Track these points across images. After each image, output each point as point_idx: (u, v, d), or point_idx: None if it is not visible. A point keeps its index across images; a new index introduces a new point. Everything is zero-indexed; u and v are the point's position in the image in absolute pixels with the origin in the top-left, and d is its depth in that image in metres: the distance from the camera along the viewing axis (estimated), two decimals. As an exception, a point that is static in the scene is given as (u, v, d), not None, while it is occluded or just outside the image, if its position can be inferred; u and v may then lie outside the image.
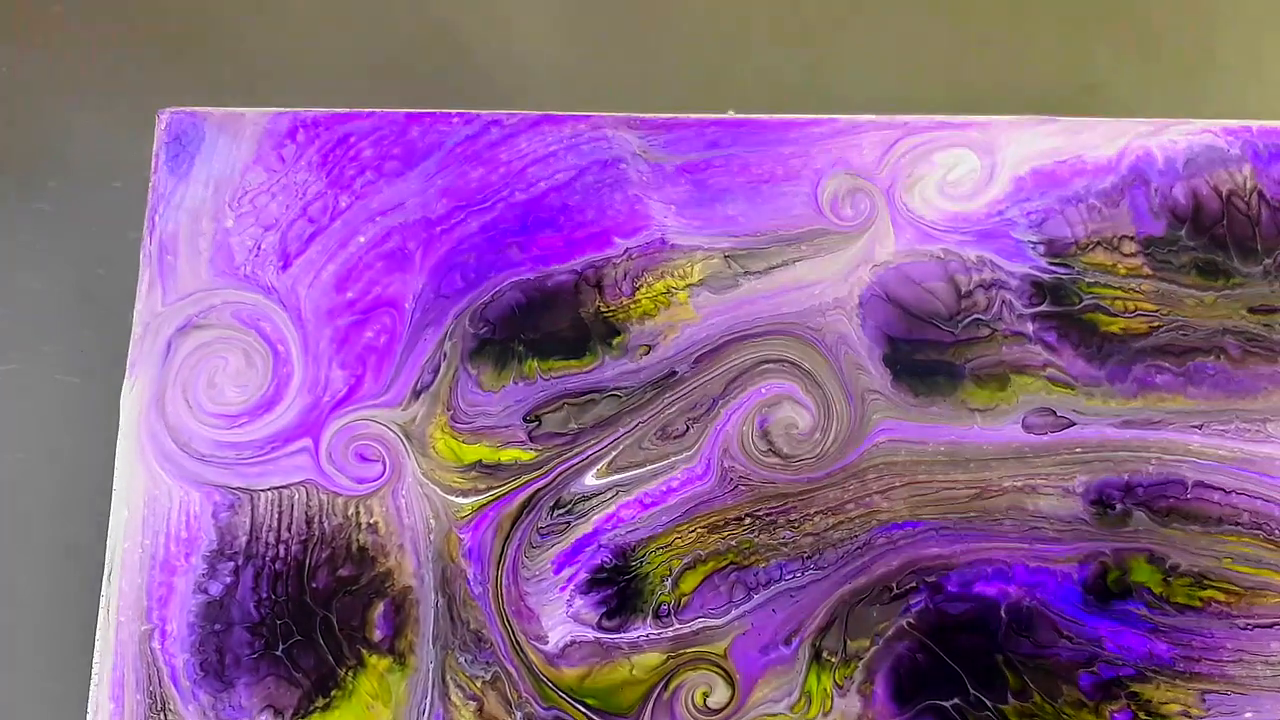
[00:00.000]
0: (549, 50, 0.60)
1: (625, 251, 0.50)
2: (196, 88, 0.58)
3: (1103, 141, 0.52)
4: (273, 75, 0.57)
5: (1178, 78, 0.63)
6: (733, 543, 0.47)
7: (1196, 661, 0.46)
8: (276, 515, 0.46)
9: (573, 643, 0.45)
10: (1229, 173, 0.52)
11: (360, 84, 0.59)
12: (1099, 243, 0.51)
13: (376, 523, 0.46)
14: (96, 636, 0.45)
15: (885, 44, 0.62)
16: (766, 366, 0.49)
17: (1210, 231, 0.51)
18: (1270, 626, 0.47)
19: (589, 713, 0.45)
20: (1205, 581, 0.47)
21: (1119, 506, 0.48)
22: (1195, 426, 0.49)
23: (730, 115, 0.52)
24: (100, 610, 0.45)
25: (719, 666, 0.45)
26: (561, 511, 0.47)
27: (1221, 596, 0.47)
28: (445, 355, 0.48)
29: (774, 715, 0.45)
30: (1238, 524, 0.48)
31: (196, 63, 0.59)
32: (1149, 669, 0.46)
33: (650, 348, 0.49)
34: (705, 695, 0.45)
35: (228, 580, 0.46)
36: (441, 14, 0.60)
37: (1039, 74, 0.62)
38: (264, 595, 0.46)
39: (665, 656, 0.45)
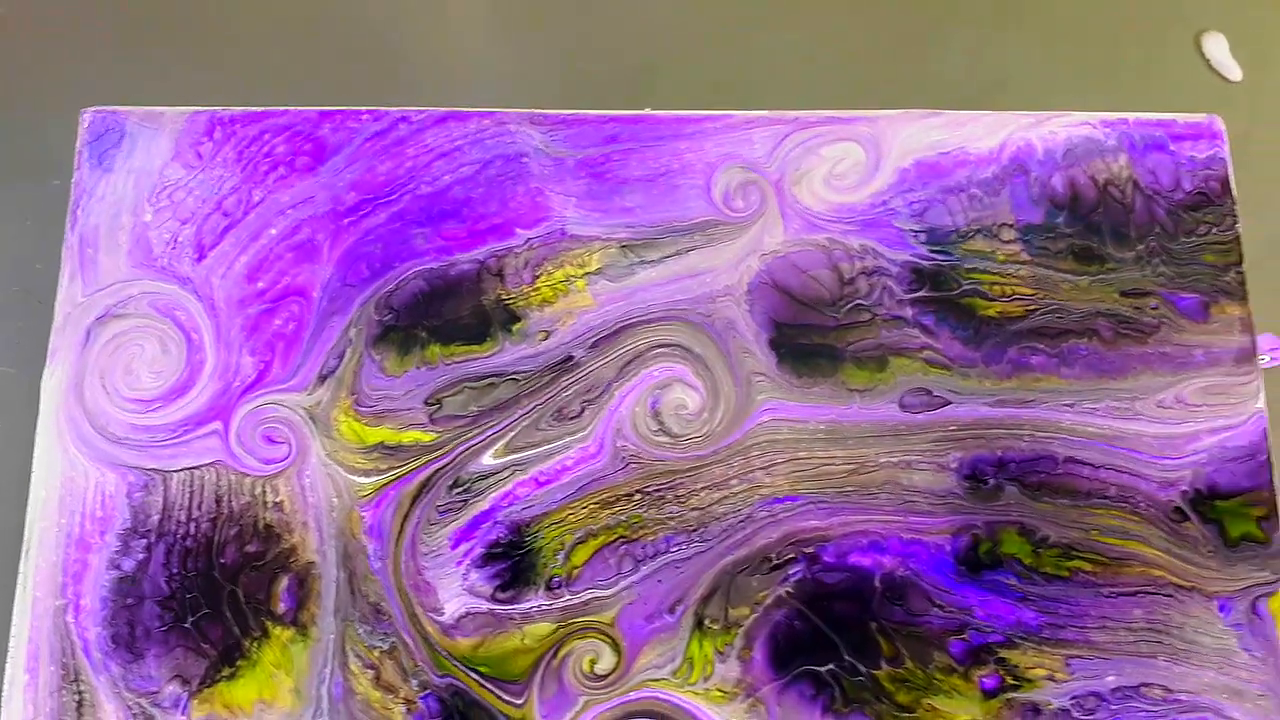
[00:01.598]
0: (471, 48, 0.62)
1: (526, 241, 0.52)
2: (149, 87, 0.60)
3: (985, 134, 0.54)
4: (202, 74, 0.60)
5: (1081, 73, 0.65)
6: (623, 518, 0.49)
7: (1062, 628, 0.49)
8: (188, 495, 0.49)
9: (467, 614, 0.48)
10: (1105, 163, 0.54)
11: (285, 81, 0.61)
12: (979, 230, 0.53)
13: (282, 501, 0.49)
14: (14, 611, 0.47)
15: (801, 42, 0.64)
16: (659, 351, 0.51)
17: (1087, 219, 0.53)
18: (1134, 595, 0.49)
19: (482, 680, 0.47)
20: (1073, 552, 0.49)
21: (991, 481, 0.50)
22: (1067, 405, 0.51)
23: (648, 112, 0.55)
24: (17, 587, 0.47)
25: (606, 635, 0.48)
26: (459, 490, 0.49)
27: (1088, 567, 0.49)
28: (351, 341, 0.51)
29: (657, 680, 0.47)
30: (1106, 498, 0.50)
31: (133, 63, 0.61)
32: (1017, 635, 0.48)
33: (549, 333, 0.51)
34: (593, 662, 0.48)
35: (140, 557, 0.48)
36: (373, 13, 0.62)
37: (948, 70, 0.64)
38: (174, 571, 0.48)
39: (555, 626, 0.48)
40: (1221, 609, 0.49)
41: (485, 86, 0.60)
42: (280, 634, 0.47)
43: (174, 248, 0.52)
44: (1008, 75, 0.63)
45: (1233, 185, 0.54)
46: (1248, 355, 0.52)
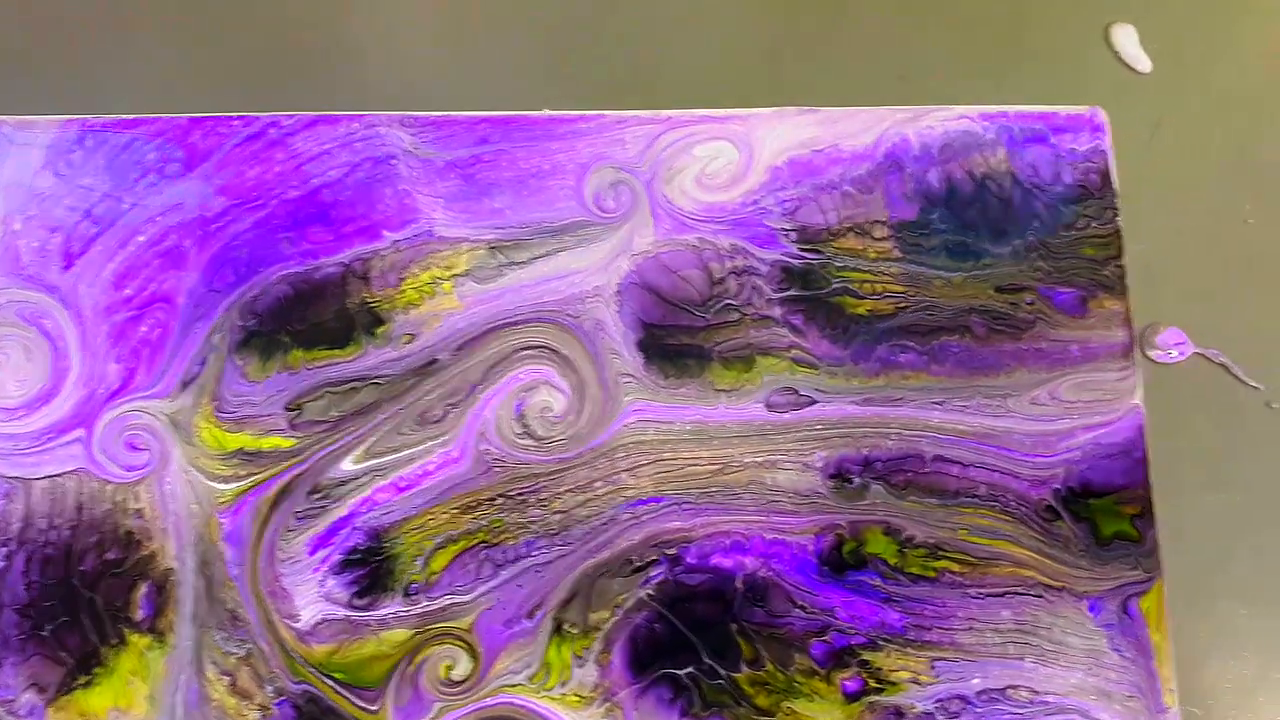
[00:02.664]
0: (373, 50, 0.62)
1: (393, 244, 0.52)
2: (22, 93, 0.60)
3: (860, 130, 0.54)
4: (77, 80, 0.60)
5: (986, 65, 0.64)
6: (484, 522, 0.49)
7: (928, 630, 0.48)
8: (49, 502, 0.49)
9: (323, 620, 0.48)
10: (983, 157, 0.54)
11: (187, 87, 0.61)
12: (851, 228, 0.52)
13: (143, 508, 0.49)
14: None
15: (707, 40, 0.64)
16: (526, 353, 0.51)
17: (962, 214, 0.53)
18: (1002, 595, 0.48)
19: (337, 686, 0.47)
20: (940, 552, 0.49)
21: (857, 480, 0.49)
22: (936, 403, 0.50)
23: (546, 114, 0.54)
24: (-124, 595, 0.48)
25: (463, 641, 0.48)
26: (318, 496, 0.49)
27: (955, 567, 0.49)
28: (214, 347, 0.51)
29: (514, 686, 0.47)
30: (975, 496, 0.49)
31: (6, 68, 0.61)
32: (881, 637, 0.48)
33: (413, 336, 0.51)
34: (449, 668, 0.47)
35: (0, 565, 0.48)
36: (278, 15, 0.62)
37: (851, 65, 0.63)
38: (34, 579, 0.48)
39: (412, 632, 0.48)
40: (1092, 609, 0.48)
41: (358, 87, 0.60)
42: (138, 641, 0.47)
43: (42, 256, 0.52)
44: (909, 68, 0.62)
45: (1114, 178, 0.53)
46: (1125, 350, 0.51)
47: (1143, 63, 0.61)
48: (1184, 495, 0.52)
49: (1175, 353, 0.54)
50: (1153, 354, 0.53)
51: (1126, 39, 0.62)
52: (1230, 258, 0.57)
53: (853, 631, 0.48)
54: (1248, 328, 0.55)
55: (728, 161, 0.53)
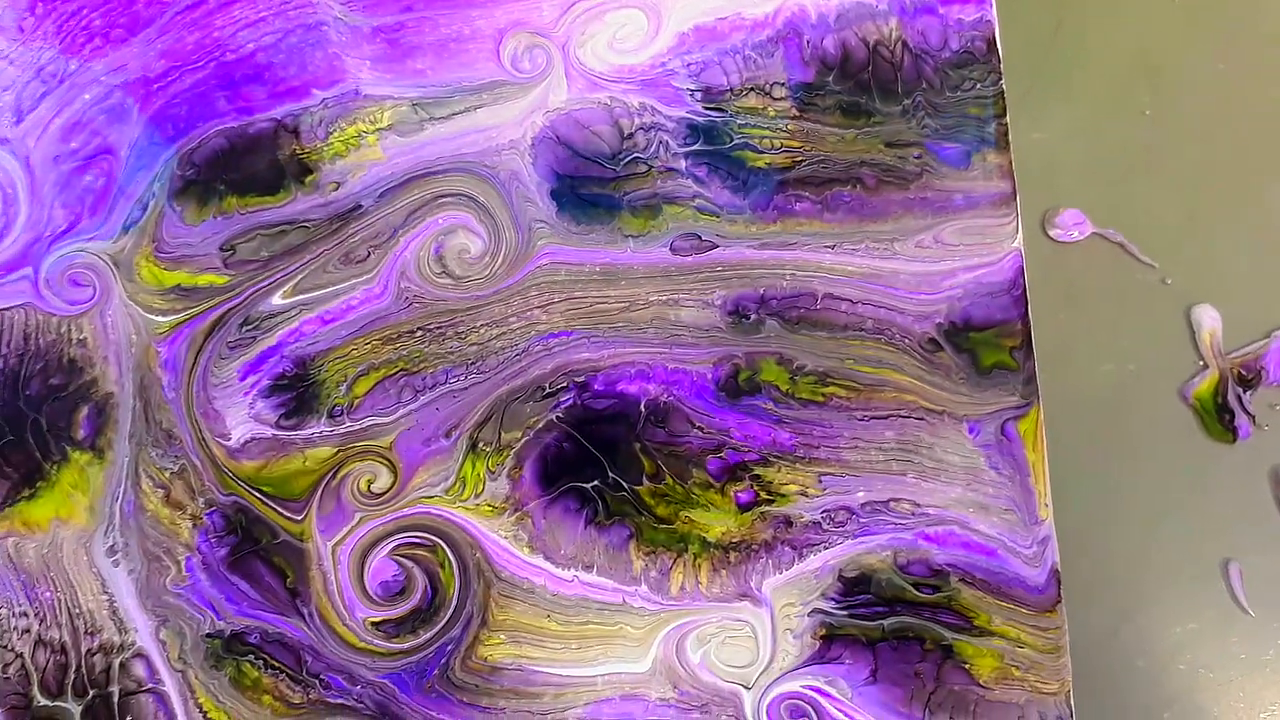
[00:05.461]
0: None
1: (322, 101, 0.56)
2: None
3: (762, 0, 0.57)
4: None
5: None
6: (404, 352, 0.53)
7: (816, 448, 0.52)
8: (-3, 334, 0.52)
9: (252, 439, 0.51)
10: (876, 25, 0.57)
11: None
12: (752, 89, 0.56)
13: (86, 338, 0.52)
14: None
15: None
16: (445, 200, 0.55)
17: (856, 77, 0.57)
18: (886, 418, 0.52)
19: (264, 498, 0.51)
20: (829, 379, 0.53)
21: (753, 316, 0.53)
22: (828, 247, 0.54)
23: None
24: None
25: (384, 457, 0.51)
26: (249, 328, 0.53)
27: (843, 393, 0.53)
28: (154, 195, 0.54)
29: (430, 498, 0.51)
30: (862, 330, 0.53)
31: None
32: (772, 455, 0.52)
33: (339, 184, 0.55)
34: (370, 482, 0.51)
35: (-50, 390, 0.52)
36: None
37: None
38: (-19, 403, 0.52)
39: (335, 450, 0.51)
40: (971, 430, 0.52)
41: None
42: (79, 458, 0.51)
43: (-7, 112, 0.55)
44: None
45: (999, 44, 0.57)
46: (1007, 199, 0.55)
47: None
48: (1078, 365, 0.56)
49: (1075, 233, 0.58)
50: (1054, 233, 0.57)
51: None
52: (1128, 147, 0.60)
53: (746, 449, 0.51)
54: (1143, 212, 0.59)
55: (638, 28, 0.57)
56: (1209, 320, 0.57)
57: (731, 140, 0.55)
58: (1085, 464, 0.55)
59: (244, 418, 0.51)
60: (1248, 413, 0.55)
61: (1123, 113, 0.60)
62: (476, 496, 0.50)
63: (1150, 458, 0.55)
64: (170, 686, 0.50)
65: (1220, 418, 0.55)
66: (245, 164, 0.55)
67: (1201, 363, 0.56)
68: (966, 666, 0.50)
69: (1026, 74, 0.59)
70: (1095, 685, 0.52)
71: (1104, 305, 0.57)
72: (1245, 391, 0.55)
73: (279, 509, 0.50)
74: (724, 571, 0.50)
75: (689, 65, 0.56)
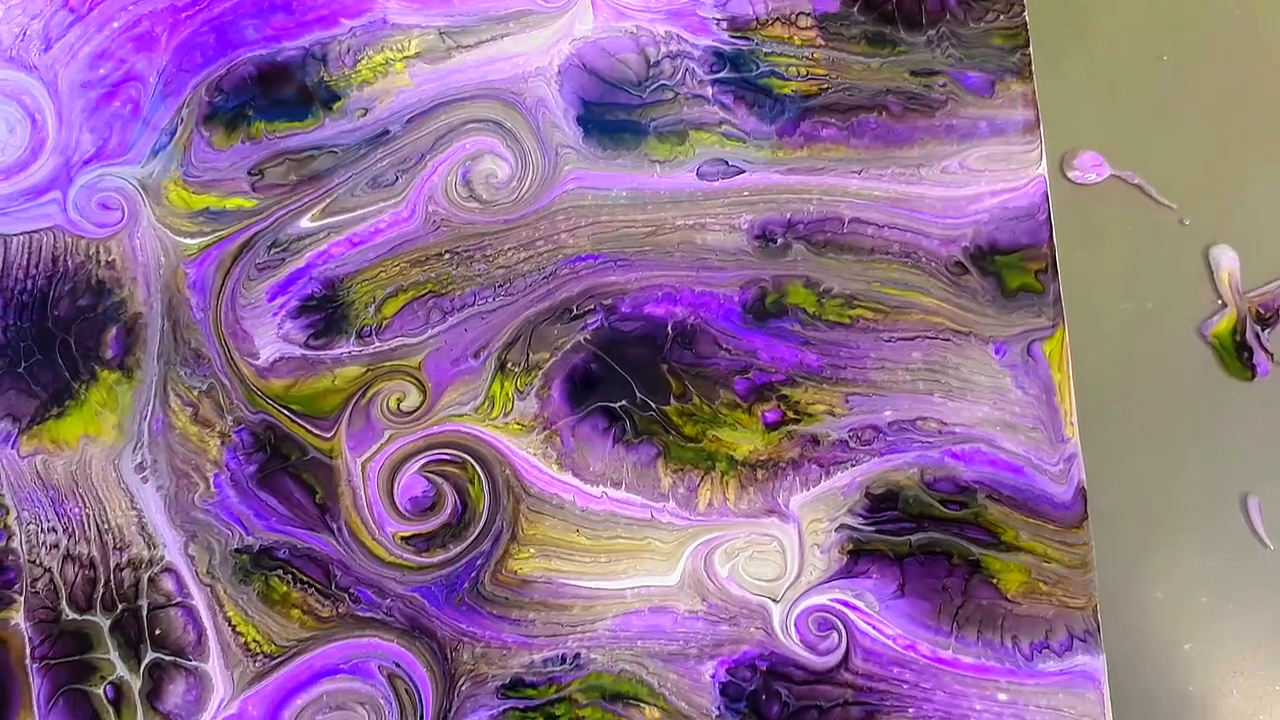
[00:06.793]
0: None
1: (350, 30, 0.56)
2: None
3: (788, -68, 0.58)
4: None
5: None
6: (432, 274, 0.53)
7: (843, 369, 0.52)
8: (26, 255, 0.53)
9: (281, 358, 0.51)
10: (901, -43, 0.58)
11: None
12: (778, 19, 0.56)
13: (114, 260, 0.52)
14: None
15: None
16: (472, 125, 0.55)
17: (880, 8, 0.57)
18: (912, 339, 0.52)
19: (293, 416, 0.51)
20: (855, 302, 0.53)
21: (780, 240, 0.53)
22: (855, 172, 0.54)
23: None
24: None
25: (413, 377, 0.51)
26: (278, 250, 0.53)
27: (869, 315, 0.53)
28: (182, 120, 0.54)
29: (460, 416, 0.51)
30: (888, 253, 0.53)
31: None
32: (799, 375, 0.52)
33: (367, 110, 0.55)
34: (399, 400, 0.51)
35: (-21, 310, 0.52)
36: None
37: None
38: (10, 322, 0.52)
39: (365, 369, 0.51)
40: (997, 351, 0.52)
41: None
42: (107, 376, 0.51)
43: (23, 40, 0.55)
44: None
45: (1022, -23, 0.57)
46: (1030, 126, 0.55)
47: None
48: (1098, 303, 0.56)
49: (1093, 175, 0.58)
50: (1072, 175, 0.57)
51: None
52: (1146, 91, 0.61)
53: (773, 370, 0.51)
54: (1161, 154, 0.59)
55: (664, -42, 0.57)
56: (1227, 260, 0.57)
57: (758, 68, 0.55)
58: (1104, 402, 0.55)
59: (272, 338, 0.51)
60: (1266, 350, 0.55)
61: (1140, 56, 0.61)
62: (505, 415, 0.51)
63: (1169, 395, 0.55)
64: (199, 600, 0.50)
65: (1239, 355, 0.55)
66: (273, 90, 0.55)
67: (1220, 302, 0.56)
68: (994, 581, 0.50)
69: (1046, 17, 0.59)
70: (1116, 618, 0.52)
71: (1122, 246, 0.57)
72: (1263, 330, 0.56)
73: (308, 426, 0.50)
74: (751, 488, 0.50)
75: (715, -5, 0.56)
